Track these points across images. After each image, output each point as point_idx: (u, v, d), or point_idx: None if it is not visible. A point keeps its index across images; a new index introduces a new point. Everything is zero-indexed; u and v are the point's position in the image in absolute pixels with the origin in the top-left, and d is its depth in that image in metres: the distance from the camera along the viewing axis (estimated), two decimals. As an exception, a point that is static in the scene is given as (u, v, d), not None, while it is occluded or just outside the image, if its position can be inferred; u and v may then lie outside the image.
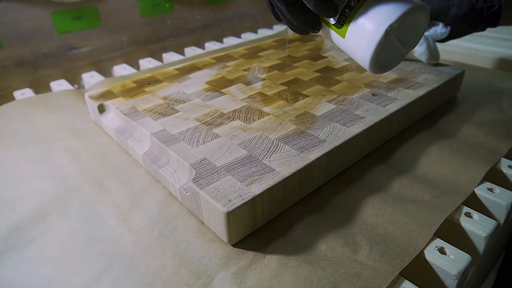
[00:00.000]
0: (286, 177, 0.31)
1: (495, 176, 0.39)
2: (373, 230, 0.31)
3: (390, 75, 0.50)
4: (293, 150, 0.34)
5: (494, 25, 0.49)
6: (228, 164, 0.33)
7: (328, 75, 0.51)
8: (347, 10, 0.32)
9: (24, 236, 0.31)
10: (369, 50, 0.32)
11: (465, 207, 0.34)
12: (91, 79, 0.65)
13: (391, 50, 0.33)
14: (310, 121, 0.39)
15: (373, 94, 0.45)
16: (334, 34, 0.34)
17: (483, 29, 0.51)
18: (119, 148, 0.43)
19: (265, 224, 0.32)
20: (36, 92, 0.62)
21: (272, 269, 0.28)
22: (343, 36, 0.33)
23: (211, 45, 0.82)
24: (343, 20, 0.32)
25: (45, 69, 0.65)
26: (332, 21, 0.33)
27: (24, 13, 0.59)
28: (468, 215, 0.33)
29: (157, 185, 0.37)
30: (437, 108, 0.51)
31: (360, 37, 0.32)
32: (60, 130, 0.47)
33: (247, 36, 0.88)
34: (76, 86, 0.68)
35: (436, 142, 0.43)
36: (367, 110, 0.41)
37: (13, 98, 0.61)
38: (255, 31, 0.94)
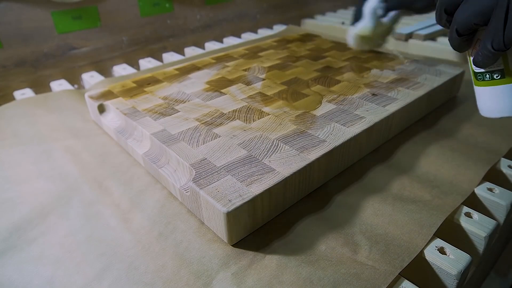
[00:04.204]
0: (286, 177, 0.31)
1: (495, 176, 0.39)
2: (373, 230, 0.31)
3: (390, 75, 0.50)
4: (293, 150, 0.34)
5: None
6: (228, 164, 0.33)
7: (328, 75, 0.51)
8: (488, 75, 0.36)
9: (24, 235, 0.32)
10: (483, 113, 0.37)
11: (465, 207, 0.34)
12: (91, 79, 0.65)
13: None
14: (310, 121, 0.39)
15: (373, 94, 0.45)
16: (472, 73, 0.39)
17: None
18: (119, 148, 0.43)
19: (265, 224, 0.32)
20: (36, 92, 0.62)
21: (272, 269, 0.28)
22: (475, 84, 0.38)
23: (211, 45, 0.82)
24: (480, 79, 0.37)
25: (45, 69, 0.65)
26: (475, 68, 0.37)
27: (24, 13, 0.59)
28: (468, 215, 0.33)
29: (157, 185, 0.37)
30: (437, 108, 0.51)
31: (480, 99, 0.38)
32: (60, 130, 0.47)
33: (247, 36, 0.88)
34: (76, 86, 0.68)
35: (436, 142, 0.43)
36: (367, 110, 0.41)
37: (13, 98, 0.61)
38: (255, 31, 0.94)
